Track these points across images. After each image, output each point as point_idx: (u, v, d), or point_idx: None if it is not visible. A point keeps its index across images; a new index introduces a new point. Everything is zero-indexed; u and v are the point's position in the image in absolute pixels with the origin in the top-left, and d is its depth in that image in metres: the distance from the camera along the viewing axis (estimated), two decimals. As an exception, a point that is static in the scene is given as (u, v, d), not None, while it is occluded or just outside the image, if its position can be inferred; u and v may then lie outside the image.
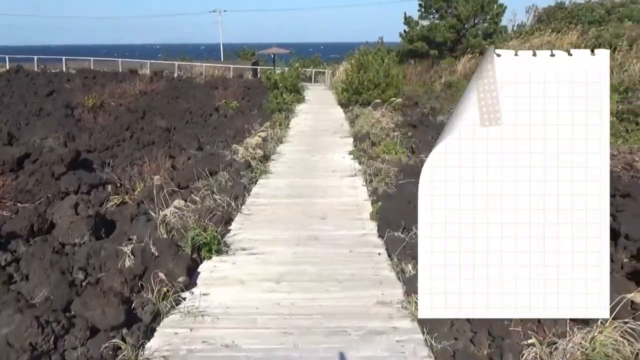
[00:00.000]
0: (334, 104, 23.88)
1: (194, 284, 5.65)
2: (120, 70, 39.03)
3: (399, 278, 5.74)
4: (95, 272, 6.06)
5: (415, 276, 5.48)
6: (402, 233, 6.83)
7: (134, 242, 6.50)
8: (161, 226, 6.54)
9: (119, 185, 10.72)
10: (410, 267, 5.71)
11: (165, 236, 6.44)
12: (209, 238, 6.36)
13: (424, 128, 16.40)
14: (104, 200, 10.01)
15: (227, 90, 26.49)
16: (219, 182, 9.83)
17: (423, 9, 34.20)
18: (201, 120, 19.08)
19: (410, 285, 5.30)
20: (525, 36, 28.44)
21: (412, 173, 10.43)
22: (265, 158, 12.25)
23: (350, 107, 20.72)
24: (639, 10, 28.21)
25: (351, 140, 14.64)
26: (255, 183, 10.29)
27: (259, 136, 12.59)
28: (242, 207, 8.71)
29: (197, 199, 8.72)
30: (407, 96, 22.70)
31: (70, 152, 12.22)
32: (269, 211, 8.56)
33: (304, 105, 23.60)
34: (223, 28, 61.88)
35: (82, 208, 8.69)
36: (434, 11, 33.97)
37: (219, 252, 6.47)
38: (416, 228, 6.95)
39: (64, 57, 39.38)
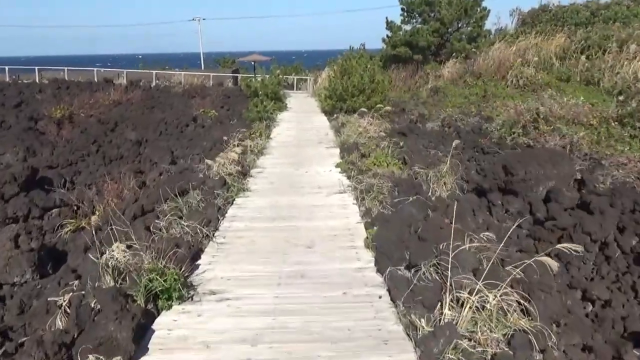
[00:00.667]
0: (318, 112, 22.62)
1: (145, 350, 4.30)
2: (95, 80, 37.43)
3: (408, 334, 4.46)
4: (20, 334, 4.70)
5: (432, 334, 4.21)
6: (406, 269, 5.56)
7: (75, 287, 5.15)
8: (106, 271, 5.17)
9: (76, 208, 9.33)
10: (423, 321, 4.42)
11: (111, 283, 5.08)
12: (168, 283, 5.03)
13: (414, 136, 15.20)
14: (58, 226, 8.63)
15: (205, 99, 25.14)
16: (190, 203, 8.49)
17: (405, 14, 33.14)
18: (176, 132, 17.69)
19: (427, 349, 4.02)
20: (510, 39, 27.44)
21: (408, 189, 9.19)
22: (244, 174, 10.92)
23: (335, 115, 19.47)
24: (623, 12, 27.43)
25: (337, 151, 13.37)
26: (232, 203, 8.97)
27: (235, 152, 11.25)
28: (215, 234, 7.38)
29: (163, 224, 7.40)
30: (393, 102, 21.52)
31: (25, 170, 10.80)
32: (246, 239, 7.24)
33: (286, 113, 22.30)
34: (204, 37, 60.51)
35: (24, 240, 7.29)
36: (416, 15, 32.93)
37: (181, 299, 5.15)
38: (424, 264, 5.73)
39: (36, 67, 37.65)
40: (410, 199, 8.19)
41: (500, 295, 4.47)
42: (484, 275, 4.73)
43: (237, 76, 40.23)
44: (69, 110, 19.82)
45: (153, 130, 17.27)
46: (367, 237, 6.98)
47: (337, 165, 11.63)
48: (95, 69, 39.09)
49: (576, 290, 6.59)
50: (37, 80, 36.50)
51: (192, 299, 5.26)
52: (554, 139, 13.75)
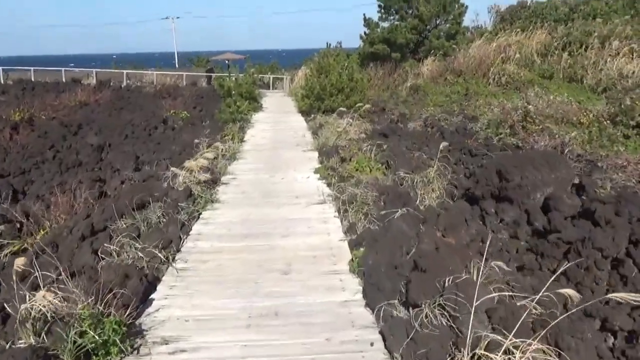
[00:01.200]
0: (294, 112, 21.55)
1: None
2: (63, 80, 35.81)
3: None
4: None
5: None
6: (402, 306, 4.55)
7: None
8: (24, 325, 4.04)
9: (20, 225, 8.14)
10: (432, 387, 3.41)
11: (31, 338, 3.97)
12: (106, 334, 3.94)
13: (396, 137, 14.23)
14: (-3, 248, 7.45)
15: (177, 99, 23.89)
16: (149, 220, 7.38)
17: (383, 10, 32.25)
18: (144, 135, 16.47)
19: None
20: (490, 36, 26.71)
21: (395, 198, 8.20)
22: (214, 181, 9.82)
23: (312, 115, 18.44)
24: (602, 8, 26.88)
25: (316, 154, 12.33)
26: (198, 218, 7.87)
27: (205, 157, 10.12)
28: (176, 257, 6.29)
29: (114, 247, 6.28)
30: (372, 101, 20.56)
31: (-34, 182, 9.55)
32: (212, 263, 6.16)
33: (262, 114, 21.18)
34: (179, 36, 59.04)
35: (-54, 270, 6.12)
36: (394, 12, 32.06)
37: (122, 354, 4.06)
38: (426, 303, 4.54)
39: (0, 68, 35.89)
40: (399, 210, 7.21)
41: (530, 352, 3.48)
42: (501, 318, 3.75)
43: (212, 75, 38.93)
44: (29, 113, 18.45)
45: (119, 134, 16.02)
46: (352, 259, 5.97)
47: (316, 171, 10.60)
48: (63, 69, 37.41)
49: (594, 320, 5.65)
50: (2, 81, 34.80)
51: (138, 352, 4.17)
52: (543, 139, 12.89)
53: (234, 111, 17.28)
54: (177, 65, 51.88)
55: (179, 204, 8.08)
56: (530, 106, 14.49)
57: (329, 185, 9.42)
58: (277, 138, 15.07)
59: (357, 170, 10.01)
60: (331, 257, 6.22)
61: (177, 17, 63.15)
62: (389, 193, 8.23)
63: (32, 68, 36.85)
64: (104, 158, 12.85)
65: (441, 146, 10.28)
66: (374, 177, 9.65)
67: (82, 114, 20.52)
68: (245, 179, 10.37)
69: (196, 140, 13.50)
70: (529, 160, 9.25)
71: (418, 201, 8.74)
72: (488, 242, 5.27)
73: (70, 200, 8.27)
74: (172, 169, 9.23)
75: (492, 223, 8.85)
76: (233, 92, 18.96)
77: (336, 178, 9.65)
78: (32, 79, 35.79)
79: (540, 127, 13.72)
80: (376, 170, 10.20)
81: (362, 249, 6.02)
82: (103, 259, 6.13)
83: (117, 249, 6.26)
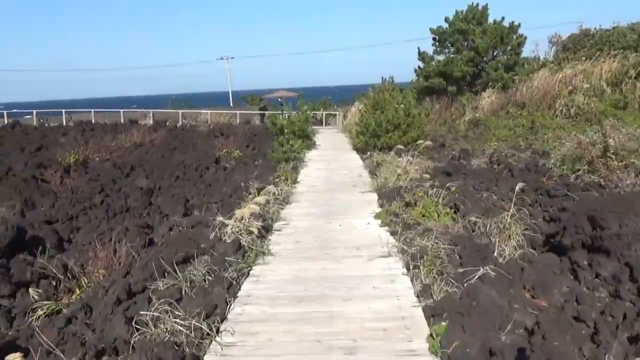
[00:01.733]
0: (349, 150, 20.64)
1: None
2: (122, 121, 36.35)
3: None
4: None
5: None
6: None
7: None
8: None
9: (57, 282, 7.41)
10: None
11: None
12: None
13: (461, 176, 13.04)
14: (30, 309, 6.71)
15: (229, 138, 23.45)
16: (192, 278, 6.49)
17: (437, 44, 31.33)
18: (195, 176, 15.87)
19: None
20: (553, 66, 25.22)
21: (472, 251, 7.04)
22: (266, 230, 8.91)
23: (369, 153, 17.46)
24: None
25: (375, 197, 11.30)
26: (248, 275, 6.92)
27: (256, 202, 9.26)
28: (221, 329, 5.33)
29: (151, 314, 5.39)
30: (431, 137, 19.44)
31: (9, 231, 8.98)
32: (262, 336, 5.16)
33: (315, 152, 20.39)
34: (234, 75, 59.91)
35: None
36: (449, 45, 31.08)
37: None
38: None
39: (63, 110, 36.82)
40: (480, 269, 6.07)
41: None
42: None
43: (264, 113, 38.75)
44: (84, 155, 18.27)
45: (169, 175, 15.47)
46: (431, 335, 4.85)
47: (377, 216, 9.54)
48: (122, 110, 38.05)
49: None
50: (64, 123, 35.61)
51: None
52: (629, 177, 11.44)
53: (286, 150, 16.51)
54: (231, 104, 52.27)
55: (227, 258, 7.17)
56: (610, 140, 13.04)
57: (392, 233, 8.34)
58: (332, 178, 14.14)
59: (423, 215, 8.90)
60: (404, 329, 5.11)
61: (232, 57, 63.96)
62: (465, 246, 7.08)
63: (92, 110, 37.65)
64: (153, 202, 12.21)
65: (517, 187, 9.05)
66: (443, 224, 8.52)
67: (136, 155, 20.25)
68: (300, 225, 9.41)
69: (246, 183, 12.76)
70: (628, 205, 7.91)
71: (496, 252, 7.54)
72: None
73: (110, 253, 7.49)
74: (220, 218, 8.36)
75: (586, 279, 7.52)
76: (286, 130, 18.26)
77: (400, 225, 8.57)
78: (92, 121, 36.51)
79: (624, 163, 12.26)
80: (444, 215, 9.05)
81: (443, 323, 4.88)
82: (138, 330, 5.23)
83: (156, 315, 5.37)
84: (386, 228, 8.78)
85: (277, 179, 13.33)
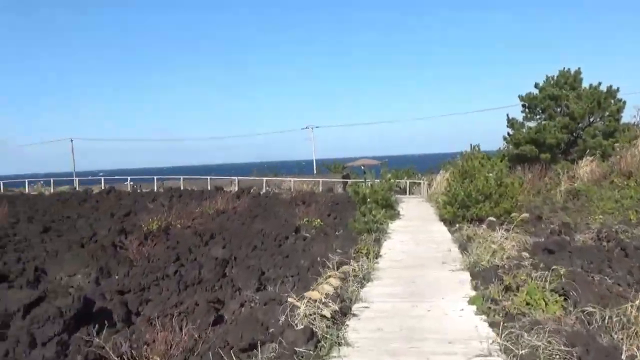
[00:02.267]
0: (435, 220, 19.34)
1: None
2: (208, 188, 37.01)
3: None
4: None
5: None
6: None
7: None
8: None
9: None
10: None
11: None
12: None
13: (566, 254, 11.43)
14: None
15: (310, 206, 22.80)
16: (255, 374, 5.52)
17: (527, 110, 29.84)
18: (274, 245, 15.17)
19: None
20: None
21: (598, 356, 5.62)
22: (343, 312, 7.85)
23: (457, 225, 16.12)
24: None
25: (467, 276, 9.98)
26: (319, 373, 5.86)
27: (332, 283, 8.26)
28: None
29: None
30: (525, 208, 17.82)
31: (75, 303, 8.49)
32: None
33: (399, 222, 19.24)
34: (317, 143, 60.60)
35: None
36: (539, 111, 29.51)
37: None
38: None
39: (155, 177, 38.11)
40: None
41: None
42: None
43: (347, 181, 38.22)
44: (167, 221, 18.18)
45: (247, 244, 14.85)
46: None
47: (472, 301, 8.23)
48: (209, 177, 38.86)
49: None
50: (155, 189, 36.74)
51: None
52: None
53: (368, 221, 15.52)
54: (314, 172, 52.38)
55: (297, 348, 6.16)
56: None
57: (492, 325, 7.01)
58: (418, 253, 12.92)
59: (527, 304, 7.52)
60: None
61: (316, 127, 64.87)
62: (587, 349, 5.67)
63: (181, 177, 38.73)
64: (227, 274, 11.50)
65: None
66: (553, 315, 7.11)
67: (217, 223, 19.99)
68: (382, 309, 8.26)
69: (324, 257, 11.83)
70: None
71: (624, 355, 6.04)
72: None
73: (169, 336, 6.70)
74: (292, 299, 7.41)
75: None
76: (368, 199, 17.34)
77: (501, 315, 7.24)
78: (181, 187, 37.45)
79: None
80: (553, 303, 7.62)
81: None
82: None
83: None
84: (483, 317, 7.46)
85: (358, 253, 12.30)
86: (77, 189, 37.80)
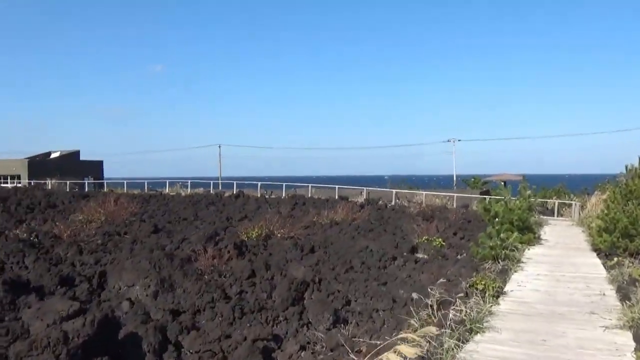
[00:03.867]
0: (586, 250, 15.29)
1: None
2: (336, 196, 35.15)
3: None
4: None
5: None
6: None
7: None
8: None
9: None
10: None
11: None
12: None
13: None
14: None
15: (432, 222, 19.72)
16: None
17: None
18: (376, 267, 12.57)
19: None
20: None
21: None
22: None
23: (616, 259, 12.19)
24: None
25: (629, 339, 6.58)
26: None
27: (424, 334, 5.50)
28: None
29: None
30: None
31: (86, 327, 6.66)
32: None
33: (538, 249, 15.50)
34: (459, 158, 56.68)
35: None
36: None
37: None
38: None
39: (284, 184, 37.19)
40: None
41: None
42: None
43: (485, 198, 34.10)
44: (268, 230, 16.36)
45: (343, 263, 12.40)
46: None
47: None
48: (337, 186, 37.04)
49: None
50: (283, 196, 35.76)
51: None
52: None
53: (495, 245, 12.24)
54: (454, 187, 48.44)
55: None
56: None
57: None
58: (557, 294, 9.49)
59: None
60: None
61: (459, 140, 60.70)
62: None
63: (309, 185, 37.39)
64: (300, 301, 9.12)
65: None
66: None
67: (325, 235, 17.82)
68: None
69: (432, 289, 8.99)
70: None
71: None
72: None
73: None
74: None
75: None
76: (497, 219, 13.95)
77: None
78: (309, 195, 36.06)
79: None
80: None
81: None
82: None
83: None
84: None
85: (474, 286, 9.23)
86: (211, 191, 38.06)
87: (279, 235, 16.06)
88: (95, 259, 12.13)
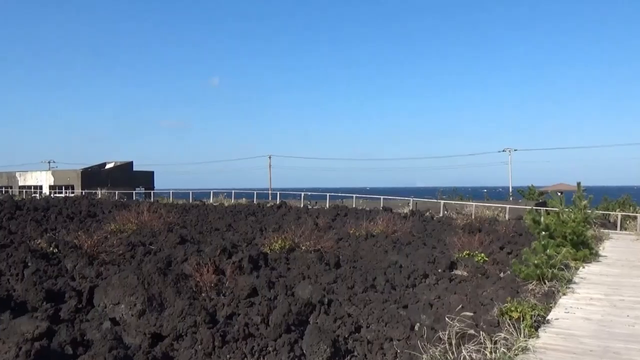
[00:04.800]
0: (653, 269, 13.16)
1: None
2: (381, 207, 33.53)
3: None
4: None
5: None
6: None
7: None
8: None
9: None
10: None
11: None
12: None
13: None
14: None
15: (475, 235, 17.86)
16: None
17: None
18: (404, 285, 11.02)
19: None
20: None
21: None
22: None
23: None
24: None
25: None
26: None
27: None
28: None
29: None
30: None
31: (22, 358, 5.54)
32: None
33: (595, 267, 13.47)
34: (515, 168, 53.81)
35: None
36: None
37: None
38: None
39: (328, 194, 35.90)
40: None
41: None
42: None
43: (541, 210, 31.55)
44: (293, 242, 15.04)
45: (364, 281, 10.90)
46: None
47: None
48: (382, 197, 35.43)
49: None
50: (326, 206, 34.50)
51: None
52: None
53: (541, 262, 10.43)
54: (510, 198, 45.72)
55: None
56: None
57: None
58: (614, 325, 7.67)
59: None
60: None
61: (515, 150, 57.70)
62: None
63: (354, 195, 35.94)
64: (308, 323, 7.73)
65: None
66: None
67: (357, 247, 16.34)
68: None
69: (461, 315, 7.45)
70: None
71: None
72: None
73: None
74: None
75: None
76: (543, 232, 12.07)
77: None
78: (353, 205, 34.63)
79: None
80: None
81: None
82: None
83: None
84: None
85: (507, 313, 7.56)
86: (255, 202, 37.25)
87: (303, 248, 14.71)
88: (97, 272, 11.17)
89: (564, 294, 9.69)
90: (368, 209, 33.07)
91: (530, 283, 10.35)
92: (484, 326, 7.17)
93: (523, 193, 42.74)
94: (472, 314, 7.56)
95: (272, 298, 8.97)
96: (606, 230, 25.03)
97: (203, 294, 9.25)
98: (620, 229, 28.16)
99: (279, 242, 14.73)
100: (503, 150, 60.35)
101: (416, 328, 7.90)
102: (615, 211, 31.89)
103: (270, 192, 52.16)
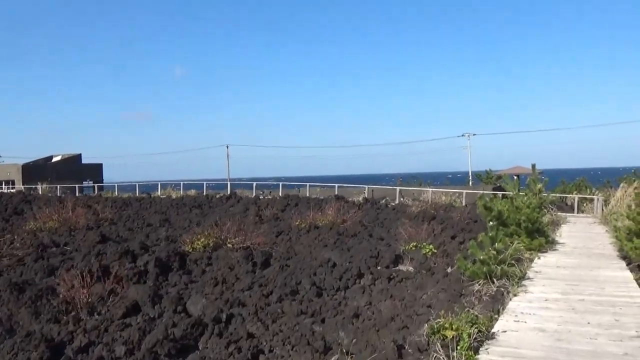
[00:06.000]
0: (612, 257, 11.79)
1: None
2: (335, 194, 31.87)
3: None
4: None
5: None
6: None
7: None
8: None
9: None
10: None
11: None
12: None
13: None
14: None
15: (429, 224, 16.36)
16: None
17: None
18: (334, 287, 9.33)
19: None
20: None
21: None
22: None
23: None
24: None
25: None
26: None
27: None
28: None
29: None
30: None
31: None
32: None
33: (551, 257, 12.03)
34: (477, 154, 52.76)
35: None
36: None
37: None
38: None
39: (280, 184, 34.06)
40: None
41: None
42: None
43: (498, 194, 30.41)
44: (219, 239, 13.19)
45: (285, 285, 9.15)
46: None
47: None
48: (336, 184, 33.76)
49: None
50: (278, 197, 32.63)
51: None
52: None
53: (488, 258, 8.84)
54: (470, 184, 44.69)
55: None
56: None
57: None
58: (572, 338, 6.06)
59: None
60: None
61: (474, 134, 56.72)
62: None
63: (307, 183, 34.20)
64: (198, 348, 5.93)
65: None
66: None
67: (292, 243, 14.61)
68: None
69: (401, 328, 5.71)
70: None
71: None
72: None
73: None
74: None
75: None
76: (491, 222, 10.50)
77: None
78: (307, 195, 32.87)
79: None
80: None
81: None
82: None
83: None
84: None
85: (439, 332, 5.88)
86: (204, 193, 35.06)
87: (230, 245, 12.87)
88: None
89: (515, 295, 8.11)
90: (322, 197, 31.37)
91: (477, 282, 8.77)
92: (410, 350, 5.49)
93: (481, 177, 41.74)
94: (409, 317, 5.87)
95: (154, 317, 7.10)
96: (563, 214, 23.95)
97: (74, 313, 7.31)
98: (578, 212, 27.22)
99: (202, 239, 12.84)
100: (462, 135, 59.46)
101: (348, 349, 6.18)
102: (572, 194, 31.05)
103: (229, 182, 50.07)
